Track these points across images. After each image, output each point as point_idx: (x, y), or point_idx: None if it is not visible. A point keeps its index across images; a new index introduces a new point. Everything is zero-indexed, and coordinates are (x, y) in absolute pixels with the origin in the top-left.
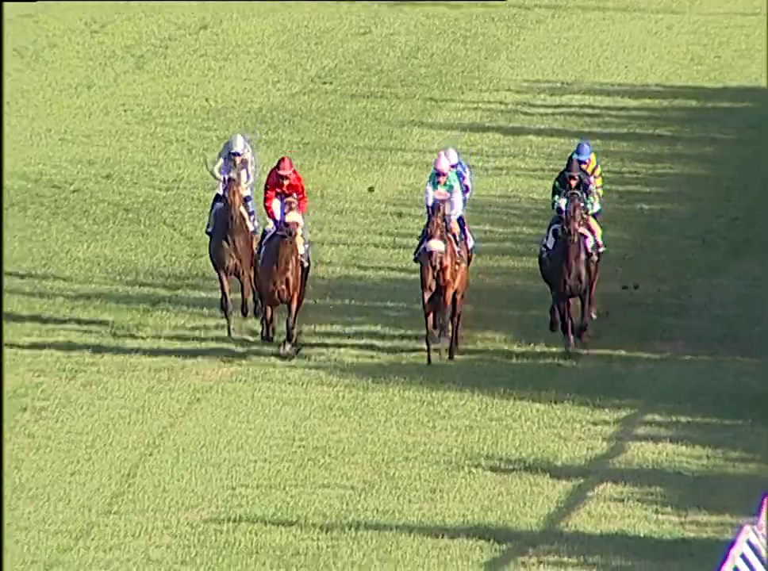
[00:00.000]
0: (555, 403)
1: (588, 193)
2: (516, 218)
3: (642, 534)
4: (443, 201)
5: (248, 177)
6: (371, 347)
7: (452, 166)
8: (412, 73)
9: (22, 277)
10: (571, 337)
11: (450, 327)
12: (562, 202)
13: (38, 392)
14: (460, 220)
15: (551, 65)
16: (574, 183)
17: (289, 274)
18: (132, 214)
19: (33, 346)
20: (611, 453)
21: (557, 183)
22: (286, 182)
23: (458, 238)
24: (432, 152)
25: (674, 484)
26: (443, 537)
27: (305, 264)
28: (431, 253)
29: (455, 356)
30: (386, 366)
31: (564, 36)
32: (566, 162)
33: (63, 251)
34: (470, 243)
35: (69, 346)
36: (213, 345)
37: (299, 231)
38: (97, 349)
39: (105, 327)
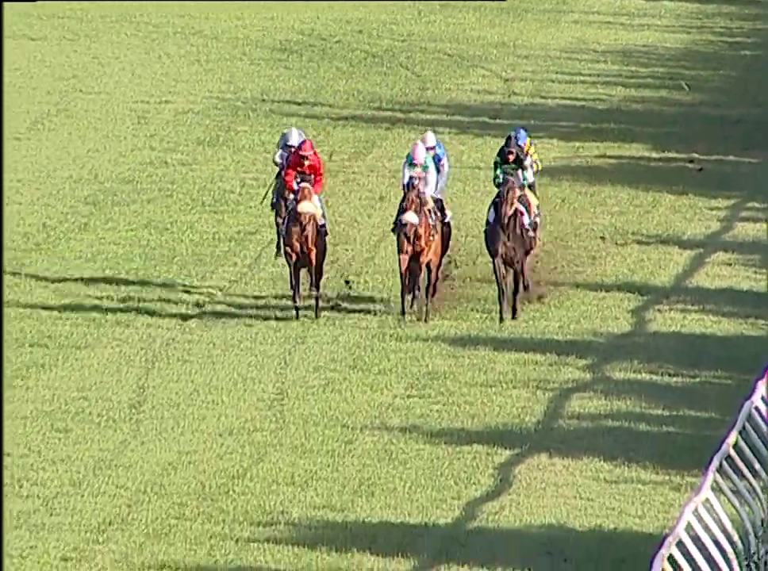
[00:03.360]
0: (681, 194)
1: (523, 167)
2: (654, 61)
3: (745, 289)
4: (418, 179)
5: None
6: (551, 148)
7: (430, 148)
8: None
9: (299, 104)
10: (504, 306)
11: (422, 294)
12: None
13: None
14: (438, 201)
15: None
16: (511, 157)
17: (309, 240)
18: (378, 59)
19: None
20: (722, 230)
21: (497, 158)
22: (306, 163)
23: (432, 213)
24: (594, 13)
25: None
26: (601, 291)
27: (324, 233)
28: (405, 225)
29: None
30: (558, 166)
31: None
32: (506, 140)
33: (327, 86)
34: (448, 217)
35: (328, 154)
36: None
37: (309, 219)
38: (354, 156)
39: (357, 141)
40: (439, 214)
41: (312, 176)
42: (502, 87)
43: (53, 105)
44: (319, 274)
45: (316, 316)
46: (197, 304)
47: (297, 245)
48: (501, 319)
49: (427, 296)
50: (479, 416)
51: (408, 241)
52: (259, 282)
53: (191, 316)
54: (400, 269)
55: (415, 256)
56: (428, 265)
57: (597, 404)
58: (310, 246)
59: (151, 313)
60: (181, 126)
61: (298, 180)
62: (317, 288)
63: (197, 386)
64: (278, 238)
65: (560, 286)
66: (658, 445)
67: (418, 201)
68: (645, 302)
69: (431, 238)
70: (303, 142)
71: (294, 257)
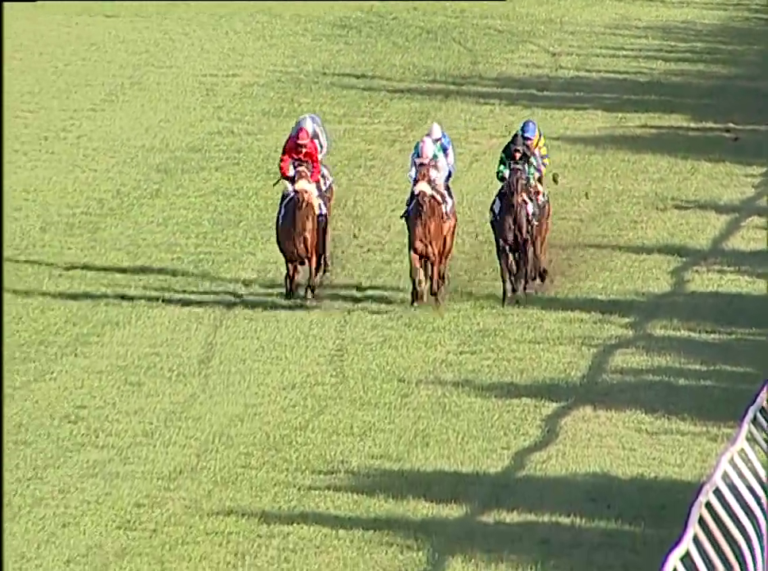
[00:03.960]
0: (718, 162)
1: (529, 164)
2: (693, 36)
3: None
4: (428, 166)
5: (322, 148)
6: (596, 119)
7: (436, 140)
8: None
9: (358, 77)
10: (509, 289)
11: (436, 279)
12: (507, 173)
13: (368, 155)
14: (448, 189)
15: None
16: (518, 155)
17: (306, 234)
18: (432, 34)
19: (366, 124)
20: (756, 196)
21: (503, 155)
22: (303, 150)
23: (445, 198)
24: None
25: None
26: (642, 253)
27: (323, 223)
28: (418, 193)
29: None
30: (602, 136)
31: None
32: (512, 137)
33: (385, 60)
34: (450, 205)
35: (387, 122)
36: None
37: (308, 196)
38: (410, 126)
39: (413, 112)
40: (449, 202)
41: (309, 164)
42: (549, 61)
43: (127, 79)
44: (318, 264)
45: (313, 300)
46: (262, 266)
47: (294, 235)
48: (504, 303)
49: (438, 285)
50: (528, 371)
51: (423, 210)
52: None
53: (256, 277)
54: (410, 246)
55: (429, 243)
56: (439, 253)
57: (638, 360)
58: (307, 236)
59: (218, 274)
60: (247, 98)
61: (294, 166)
62: (316, 275)
63: (262, 343)
64: None
65: (603, 249)
66: (696, 398)
67: (430, 176)
68: (684, 264)
69: (442, 223)
70: (300, 130)
71: (292, 248)
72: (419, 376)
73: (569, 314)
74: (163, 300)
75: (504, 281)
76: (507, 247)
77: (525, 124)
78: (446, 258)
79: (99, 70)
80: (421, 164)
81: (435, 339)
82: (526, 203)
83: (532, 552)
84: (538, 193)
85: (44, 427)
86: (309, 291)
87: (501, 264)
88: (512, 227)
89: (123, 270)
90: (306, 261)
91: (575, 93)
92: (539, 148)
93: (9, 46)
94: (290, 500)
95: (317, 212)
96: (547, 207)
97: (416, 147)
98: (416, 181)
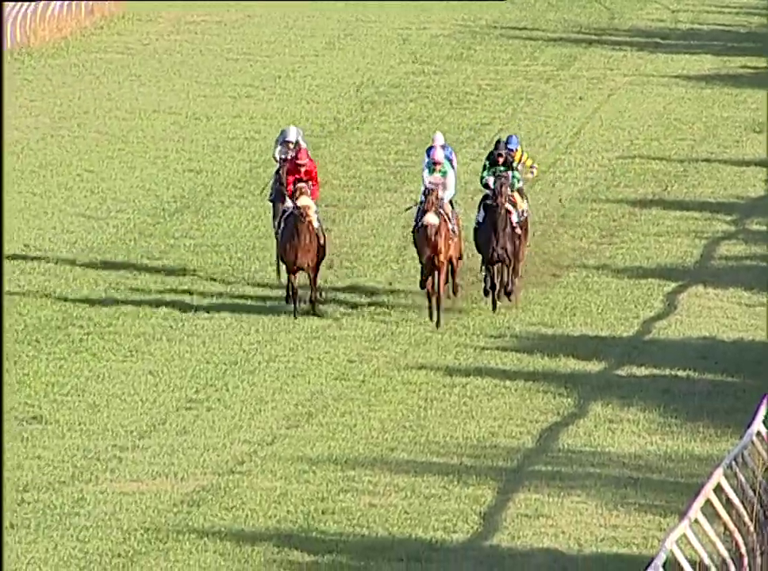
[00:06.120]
0: None
1: (513, 169)
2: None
3: None
4: (437, 184)
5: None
6: (706, 61)
7: (441, 147)
8: None
9: (520, 29)
10: (496, 299)
11: (443, 293)
12: (490, 180)
13: (528, 89)
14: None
15: None
16: (501, 160)
17: (308, 249)
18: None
19: (526, 65)
20: None
21: (486, 162)
22: (302, 169)
23: (450, 216)
24: None
25: None
26: (742, 166)
27: (321, 237)
28: (426, 226)
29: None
30: (711, 74)
31: None
32: (495, 144)
33: (541, 16)
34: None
35: (543, 64)
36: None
37: (310, 212)
38: (560, 67)
39: (563, 56)
40: (457, 217)
41: (310, 182)
42: (670, 17)
43: (342, 31)
44: (316, 275)
45: (314, 313)
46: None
47: (297, 249)
48: (494, 310)
49: (454, 293)
50: (652, 258)
51: (429, 242)
52: None
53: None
54: (421, 269)
55: (435, 260)
56: (450, 263)
57: (739, 249)
58: (309, 250)
59: (413, 183)
60: (434, 46)
61: (294, 183)
62: (316, 290)
63: None
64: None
65: (712, 163)
66: None
67: (438, 202)
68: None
69: (450, 242)
70: (299, 150)
71: (294, 260)
72: (567, 261)
73: (684, 213)
74: (369, 203)
75: (493, 294)
76: (493, 259)
77: (509, 137)
78: (455, 267)
79: (320, 24)
80: (429, 188)
81: (580, 233)
82: (510, 212)
83: (656, 398)
84: (516, 204)
85: (279, 301)
86: (311, 301)
87: (486, 276)
88: (495, 245)
89: (338, 179)
90: (308, 273)
91: (690, 42)
92: (523, 162)
93: (249, 7)
94: (468, 358)
95: (315, 225)
96: (526, 223)
97: (428, 165)
98: (424, 211)
